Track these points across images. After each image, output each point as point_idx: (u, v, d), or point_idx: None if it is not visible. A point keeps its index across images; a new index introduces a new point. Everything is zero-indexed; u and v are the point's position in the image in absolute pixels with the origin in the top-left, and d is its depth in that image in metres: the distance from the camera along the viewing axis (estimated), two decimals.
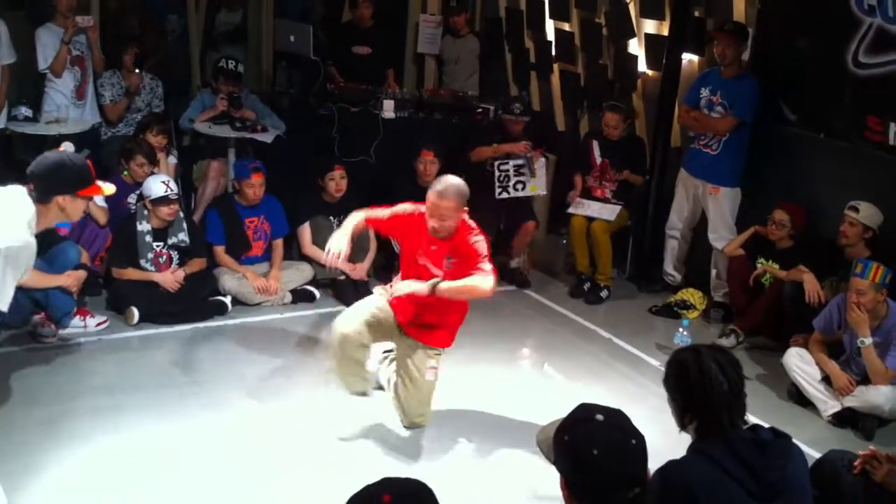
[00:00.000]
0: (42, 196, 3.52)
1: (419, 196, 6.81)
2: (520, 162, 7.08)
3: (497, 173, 7.09)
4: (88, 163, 3.74)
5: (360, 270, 6.53)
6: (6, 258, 3.33)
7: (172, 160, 7.01)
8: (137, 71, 7.20)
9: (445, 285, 4.50)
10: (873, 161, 5.82)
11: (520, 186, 7.14)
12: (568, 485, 2.10)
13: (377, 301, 4.85)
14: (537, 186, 7.17)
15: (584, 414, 2.14)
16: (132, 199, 6.27)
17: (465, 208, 4.62)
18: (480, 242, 4.63)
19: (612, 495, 2.02)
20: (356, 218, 4.98)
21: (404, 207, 4.84)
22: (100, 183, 3.79)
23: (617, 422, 2.11)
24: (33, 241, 3.46)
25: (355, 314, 4.79)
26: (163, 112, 7.47)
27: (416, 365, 4.73)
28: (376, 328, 4.77)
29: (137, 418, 4.59)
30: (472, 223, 4.69)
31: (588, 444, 2.05)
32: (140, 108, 7.30)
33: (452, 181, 4.61)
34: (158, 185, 5.87)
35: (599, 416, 2.09)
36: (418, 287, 4.52)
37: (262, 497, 4.01)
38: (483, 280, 4.50)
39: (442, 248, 4.64)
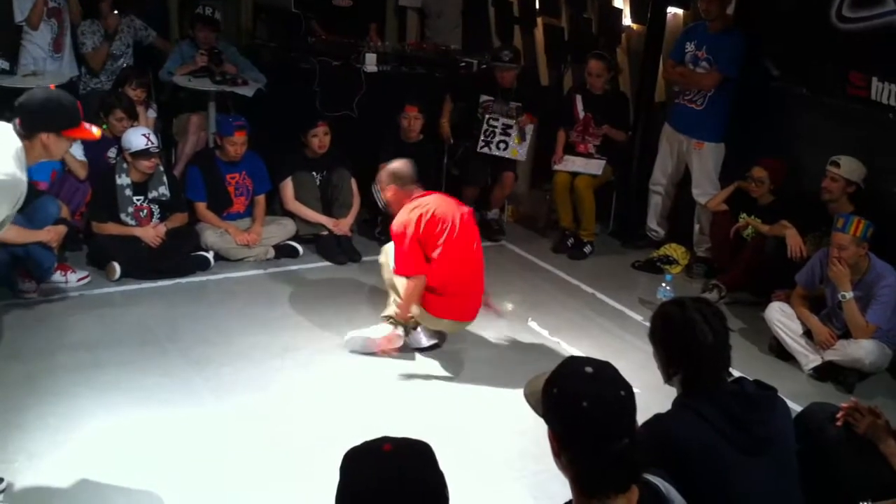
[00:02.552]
0: (27, 131, 3.44)
1: (402, 152, 6.80)
2: (510, 123, 7.06)
3: (485, 127, 7.07)
4: (78, 104, 3.68)
5: (342, 225, 6.51)
6: None
7: (152, 114, 6.94)
8: (116, 12, 7.08)
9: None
10: (856, 116, 5.81)
11: (502, 146, 7.12)
12: (557, 437, 2.09)
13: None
14: (518, 151, 7.16)
15: (572, 367, 2.13)
16: (112, 153, 6.20)
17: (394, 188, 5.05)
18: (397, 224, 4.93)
19: (602, 447, 2.02)
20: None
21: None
22: (87, 125, 3.69)
23: (606, 374, 2.10)
24: (24, 178, 3.39)
25: None
26: (158, 36, 7.49)
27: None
28: None
29: (119, 374, 4.57)
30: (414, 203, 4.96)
31: (577, 396, 2.04)
32: (121, 51, 7.19)
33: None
34: (139, 137, 5.80)
35: (588, 369, 2.08)
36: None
37: (245, 451, 4.01)
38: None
39: None
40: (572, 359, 2.20)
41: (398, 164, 5.14)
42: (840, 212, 5.31)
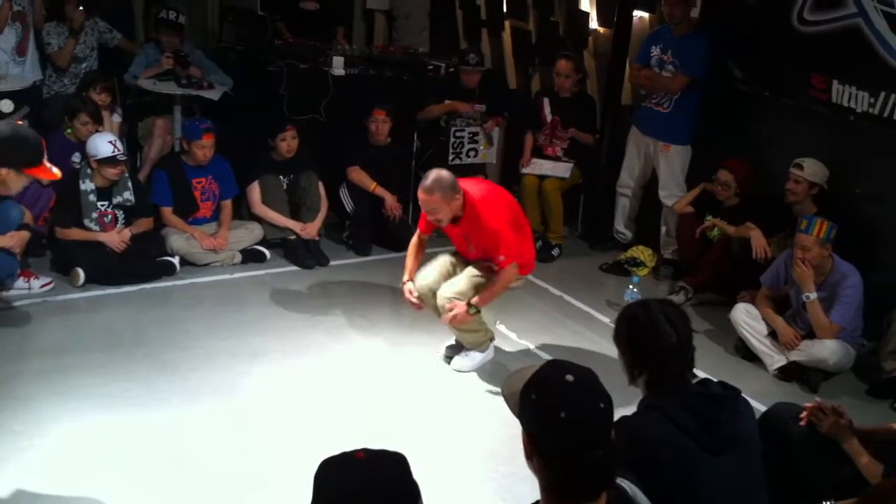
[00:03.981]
0: None
1: (370, 155, 6.81)
2: (475, 129, 7.09)
3: (452, 139, 7.09)
4: (42, 142, 3.70)
5: (310, 229, 6.48)
6: None
7: (117, 118, 6.88)
8: (81, 8, 7.02)
9: (481, 299, 4.75)
10: (818, 118, 5.87)
11: (472, 154, 7.18)
12: (531, 441, 2.08)
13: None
14: (489, 155, 7.20)
15: (553, 373, 2.09)
16: (76, 157, 6.14)
17: (457, 195, 4.65)
18: (495, 223, 4.72)
19: (576, 457, 2.00)
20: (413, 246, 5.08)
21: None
22: (48, 165, 3.77)
23: (587, 384, 2.06)
24: None
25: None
26: (123, 38, 7.45)
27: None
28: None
29: (84, 379, 4.51)
30: (483, 202, 4.73)
31: (556, 405, 2.00)
32: (85, 54, 7.13)
33: (435, 175, 4.63)
34: (105, 144, 5.72)
35: (569, 377, 2.04)
36: (460, 312, 4.75)
37: (213, 456, 3.99)
38: (504, 275, 4.74)
39: (457, 231, 4.88)
40: (554, 364, 2.16)
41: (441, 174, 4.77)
42: (804, 213, 5.37)
